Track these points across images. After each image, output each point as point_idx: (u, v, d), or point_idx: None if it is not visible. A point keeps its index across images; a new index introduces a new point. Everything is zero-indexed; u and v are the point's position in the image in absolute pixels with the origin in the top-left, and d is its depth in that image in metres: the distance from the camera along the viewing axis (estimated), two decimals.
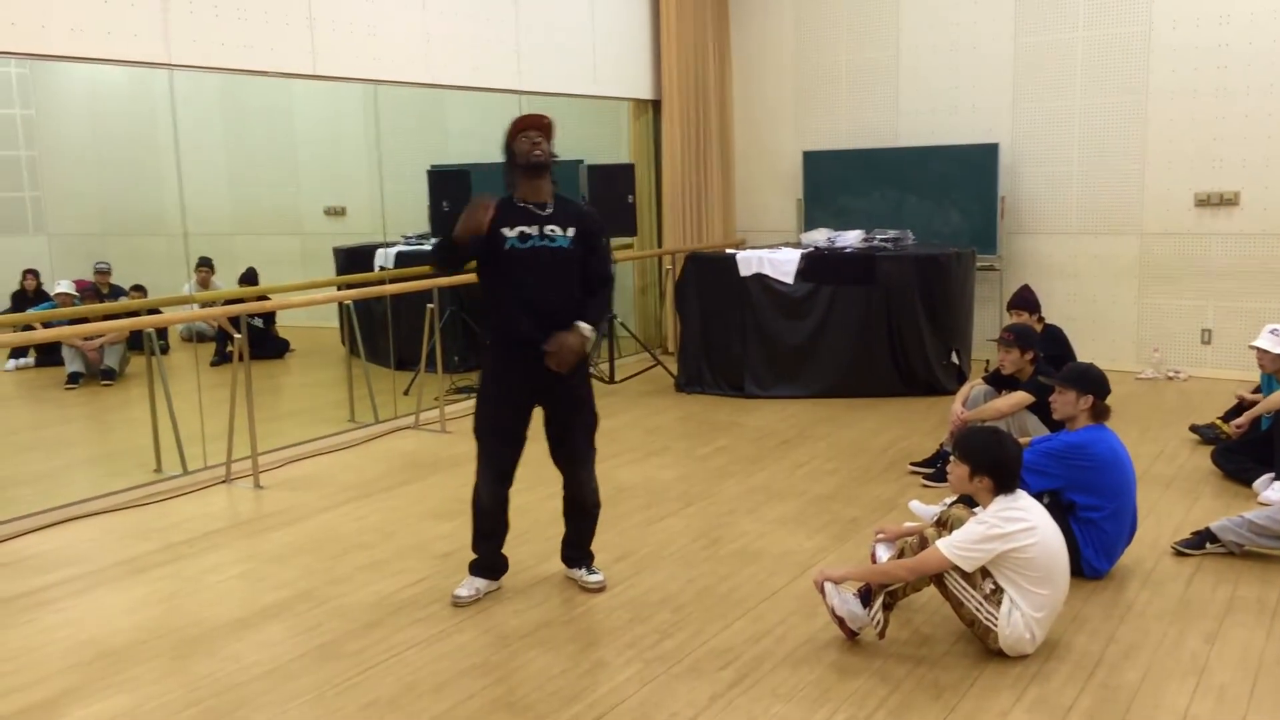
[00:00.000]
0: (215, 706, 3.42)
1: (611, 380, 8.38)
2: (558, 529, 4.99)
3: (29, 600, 4.35)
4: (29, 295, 10.57)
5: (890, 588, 3.65)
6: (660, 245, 9.71)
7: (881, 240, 8.13)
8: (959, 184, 8.78)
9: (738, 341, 7.86)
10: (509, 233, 3.99)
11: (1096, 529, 4.20)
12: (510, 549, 4.72)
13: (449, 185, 8.40)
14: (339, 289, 8.81)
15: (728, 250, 8.30)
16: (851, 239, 8.13)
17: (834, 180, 9.38)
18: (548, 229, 4.01)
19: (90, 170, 12.27)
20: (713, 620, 3.99)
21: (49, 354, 9.42)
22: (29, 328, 7.13)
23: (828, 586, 3.75)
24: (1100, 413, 4.29)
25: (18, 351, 9.62)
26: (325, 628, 4.00)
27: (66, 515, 5.40)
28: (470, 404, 7.76)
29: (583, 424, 4.28)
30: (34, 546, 5.01)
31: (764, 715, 3.28)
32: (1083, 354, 6.70)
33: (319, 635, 3.93)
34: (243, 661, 3.73)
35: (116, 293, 10.04)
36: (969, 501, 3.84)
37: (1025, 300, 6.31)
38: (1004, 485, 3.62)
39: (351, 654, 3.77)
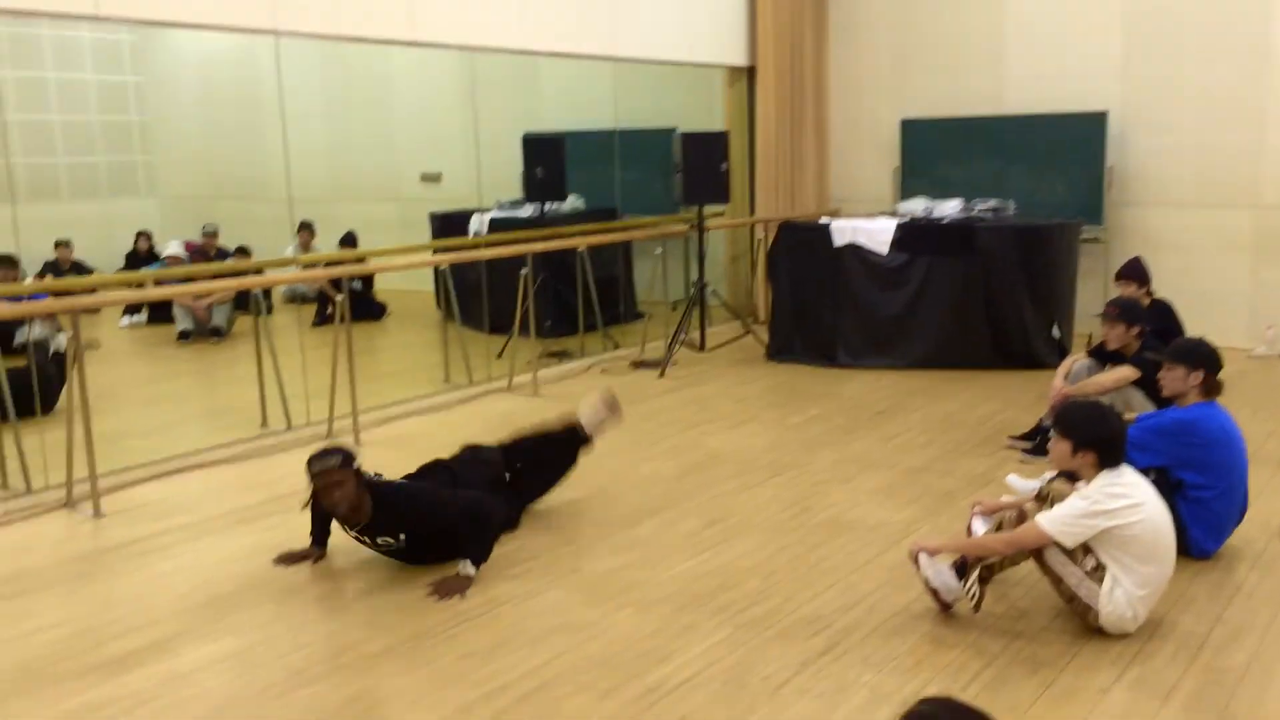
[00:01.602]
0: (319, 651, 3.54)
1: (701, 348, 8.38)
2: (649, 492, 5.05)
3: (144, 545, 4.55)
4: (142, 256, 10.98)
5: (987, 561, 3.60)
6: (753, 214, 9.64)
7: (981, 210, 7.94)
8: (1064, 153, 8.53)
9: (830, 311, 7.78)
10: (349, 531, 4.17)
11: (1205, 508, 4.07)
12: (602, 511, 4.81)
13: (543, 152, 8.46)
14: (435, 254, 8.96)
15: (821, 220, 8.21)
16: (950, 209, 7.96)
17: (932, 149, 9.19)
18: (379, 540, 4.14)
19: (198, 135, 12.66)
20: (803, 588, 3.98)
21: (161, 312, 9.78)
22: (142, 286, 7.41)
23: (922, 558, 3.71)
24: (1211, 389, 4.16)
25: (132, 308, 10.00)
26: (422, 580, 4.08)
27: (178, 466, 5.62)
28: (563, 368, 7.84)
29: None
30: (148, 495, 5.22)
31: (855, 683, 3.27)
32: (1192, 330, 6.44)
33: (416, 588, 4.03)
34: (344, 610, 3.85)
35: (223, 254, 10.36)
36: (1070, 476, 3.75)
37: (1134, 271, 6.10)
38: (1108, 460, 3.53)
39: (447, 606, 3.86)
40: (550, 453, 4.84)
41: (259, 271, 8.15)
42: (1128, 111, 8.44)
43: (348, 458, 4.00)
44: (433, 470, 4.53)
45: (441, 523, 4.15)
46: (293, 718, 3.14)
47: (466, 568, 4.06)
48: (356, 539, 4.16)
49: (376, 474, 4.23)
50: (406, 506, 4.11)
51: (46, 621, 3.82)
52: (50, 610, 3.92)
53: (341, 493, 3.95)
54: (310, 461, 4.00)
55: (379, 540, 4.14)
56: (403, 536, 4.11)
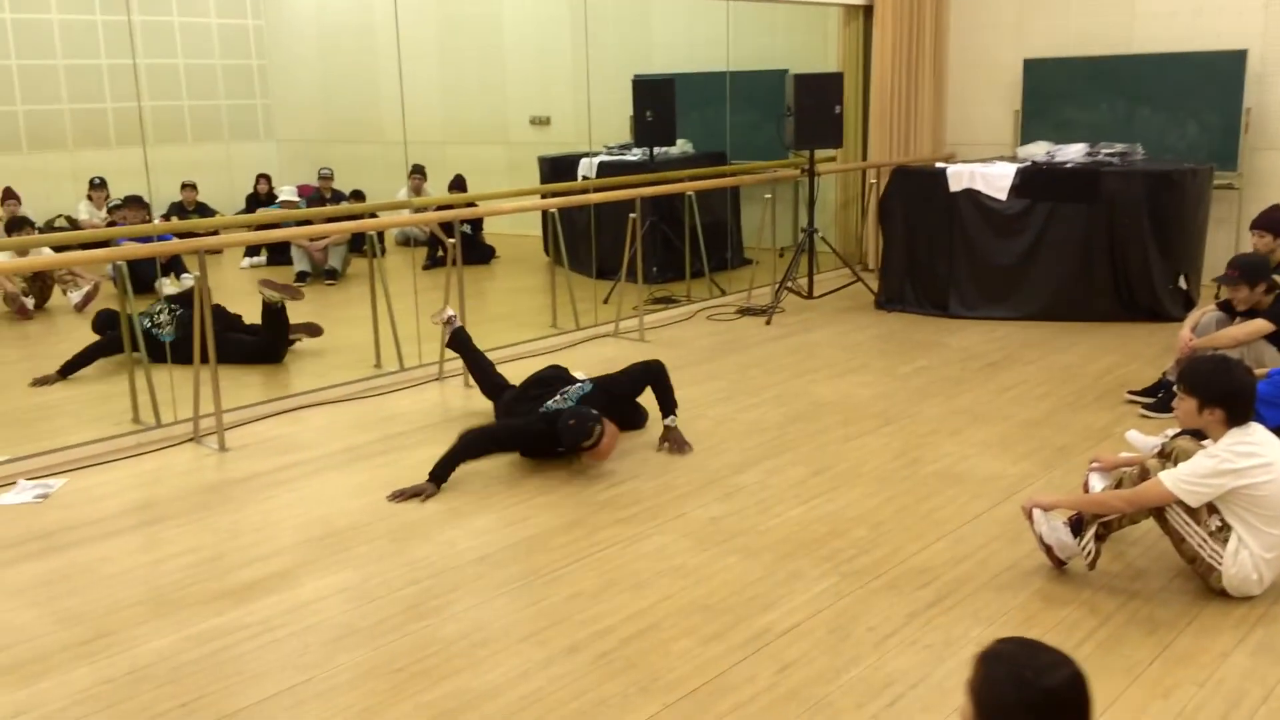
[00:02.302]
0: (432, 587, 3.65)
1: (810, 295, 8.28)
2: (755, 439, 5.05)
3: (267, 479, 4.73)
4: (261, 198, 11.30)
5: (1105, 518, 3.50)
6: (865, 158, 9.43)
7: (1107, 154, 7.61)
8: (1199, 94, 8.11)
9: (944, 259, 7.59)
10: None
11: None
12: (707, 458, 4.84)
13: (653, 94, 8.39)
14: (543, 198, 9.00)
15: (937, 164, 7.99)
16: (1074, 153, 7.65)
17: (1057, 90, 8.83)
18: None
19: (314, 79, 12.91)
20: (911, 539, 3.94)
21: (279, 253, 10.06)
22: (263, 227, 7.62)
23: (1036, 513, 3.62)
24: None
25: (252, 250, 10.32)
26: (531, 521, 4.17)
27: (298, 404, 5.81)
28: (669, 313, 7.85)
29: None
30: (269, 431, 5.42)
31: (964, 637, 3.23)
32: None
33: (526, 528, 4.11)
34: (457, 547, 3.95)
35: (338, 197, 10.60)
36: (1196, 434, 3.61)
37: (1272, 221, 5.76)
38: (1237, 417, 3.38)
39: (557, 548, 3.93)
40: (480, 363, 5.61)
41: (373, 215, 8.31)
42: (1269, 50, 7.96)
43: (595, 418, 4.59)
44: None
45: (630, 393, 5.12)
46: (408, 648, 3.25)
47: (673, 420, 4.93)
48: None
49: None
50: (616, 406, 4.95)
51: (177, 549, 4.02)
52: (180, 538, 4.12)
53: (609, 440, 4.60)
54: (579, 441, 4.56)
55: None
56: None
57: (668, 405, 4.95)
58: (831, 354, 6.67)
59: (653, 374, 5.00)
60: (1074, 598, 3.46)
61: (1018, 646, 1.87)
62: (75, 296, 8.34)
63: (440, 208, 8.74)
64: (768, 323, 7.55)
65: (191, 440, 5.25)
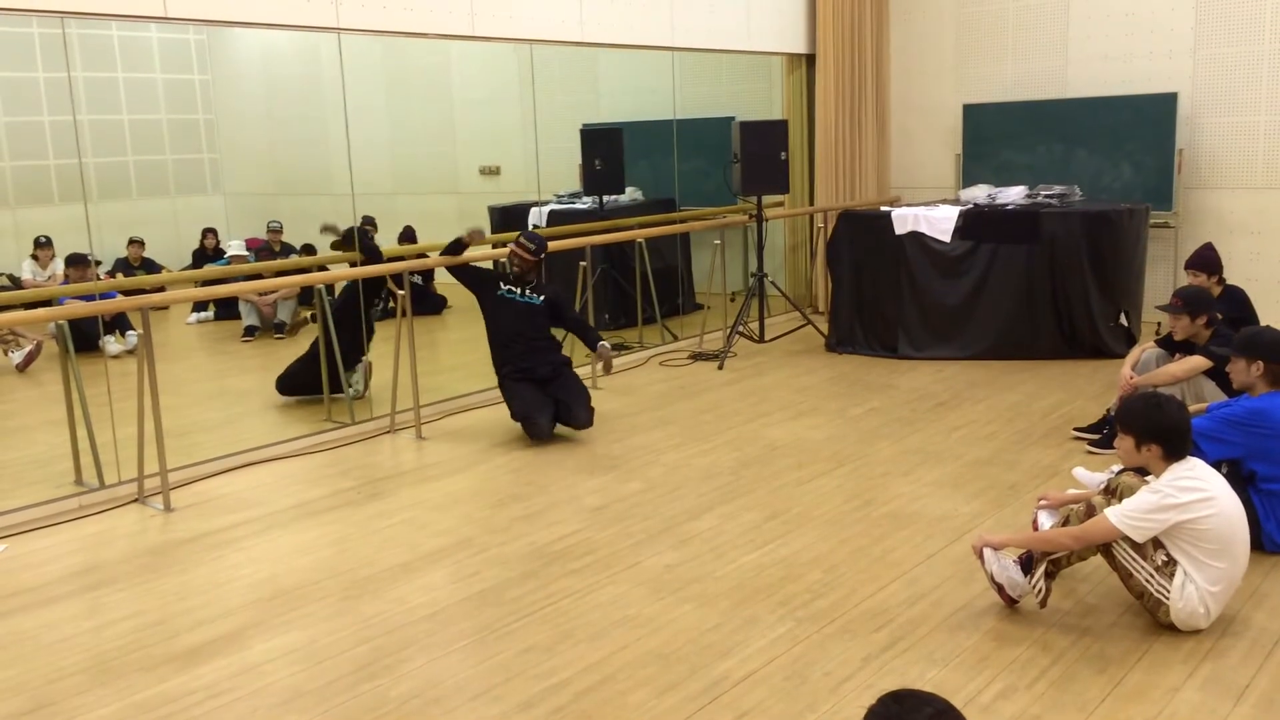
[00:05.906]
0: (384, 645, 3.59)
1: (761, 339, 8.34)
2: (710, 484, 5.05)
3: (214, 539, 4.65)
4: (208, 253, 11.19)
5: (1053, 556, 3.54)
6: (812, 203, 9.56)
7: (1046, 196, 7.79)
8: (1133, 136, 8.33)
9: (892, 301, 7.69)
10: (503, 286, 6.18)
11: (1279, 500, 3.96)
12: (661, 504, 4.82)
13: (602, 143, 8.46)
14: (494, 247, 9.00)
15: (882, 208, 8.12)
16: (1014, 195, 7.82)
17: (996, 134, 9.04)
18: (528, 292, 6.13)
19: (262, 133, 12.85)
20: (866, 582, 3.95)
21: (227, 308, 9.96)
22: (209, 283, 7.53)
23: (987, 552, 3.66)
24: (1279, 378, 4.04)
25: (199, 305, 10.20)
26: (484, 575, 4.13)
27: (245, 460, 5.72)
28: (621, 360, 7.85)
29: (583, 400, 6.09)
30: (217, 489, 5.33)
31: (919, 679, 3.24)
32: (1266, 317, 6.28)
33: (479, 582, 4.07)
34: (408, 604, 3.90)
35: (288, 250, 10.52)
36: (1142, 471, 3.67)
37: (1205, 260, 5.94)
38: (1174, 451, 3.44)
39: (510, 601, 3.90)
40: None
41: (322, 267, 8.27)
42: (1199, 92, 8.21)
43: (541, 248, 6.17)
44: None
45: (568, 312, 6.32)
46: (358, 710, 3.19)
47: (603, 344, 6.15)
48: (511, 290, 6.10)
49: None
50: (555, 290, 6.28)
51: (120, 614, 3.92)
52: (124, 603, 4.02)
53: (524, 264, 6.09)
54: (521, 235, 6.23)
55: (528, 292, 6.10)
56: (542, 299, 6.10)
57: (591, 341, 6.21)
58: (784, 397, 6.71)
59: (575, 325, 6.35)
60: (1026, 636, 3.48)
61: (892, 699, 1.87)
62: (16, 356, 8.19)
63: (391, 259, 8.70)
64: (720, 367, 7.59)
65: (136, 501, 5.15)
